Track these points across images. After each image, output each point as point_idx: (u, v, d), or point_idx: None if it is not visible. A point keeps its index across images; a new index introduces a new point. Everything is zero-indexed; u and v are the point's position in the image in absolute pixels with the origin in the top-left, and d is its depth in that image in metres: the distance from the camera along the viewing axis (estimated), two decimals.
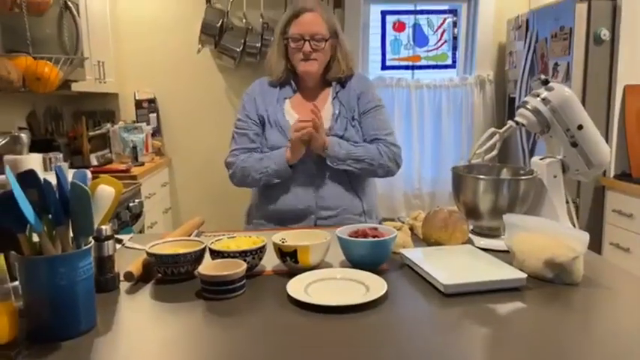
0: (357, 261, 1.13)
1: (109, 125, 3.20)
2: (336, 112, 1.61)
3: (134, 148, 3.07)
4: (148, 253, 1.09)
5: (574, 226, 1.37)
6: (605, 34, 2.63)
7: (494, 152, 1.37)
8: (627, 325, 0.88)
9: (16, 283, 0.90)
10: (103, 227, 1.02)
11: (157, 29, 3.50)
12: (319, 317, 0.89)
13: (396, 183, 3.56)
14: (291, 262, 1.10)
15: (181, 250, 1.08)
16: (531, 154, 2.99)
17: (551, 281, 1.04)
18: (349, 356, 0.77)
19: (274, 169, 1.53)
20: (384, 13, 3.65)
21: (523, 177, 1.31)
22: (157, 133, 3.52)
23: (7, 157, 1.10)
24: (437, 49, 3.70)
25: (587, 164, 1.32)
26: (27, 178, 0.83)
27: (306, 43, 1.55)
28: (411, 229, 1.41)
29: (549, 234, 1.08)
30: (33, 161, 1.10)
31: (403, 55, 3.70)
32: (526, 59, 3.06)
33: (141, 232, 2.62)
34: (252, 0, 3.38)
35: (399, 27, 3.67)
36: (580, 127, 1.29)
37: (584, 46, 2.67)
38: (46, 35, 2.27)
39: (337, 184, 1.58)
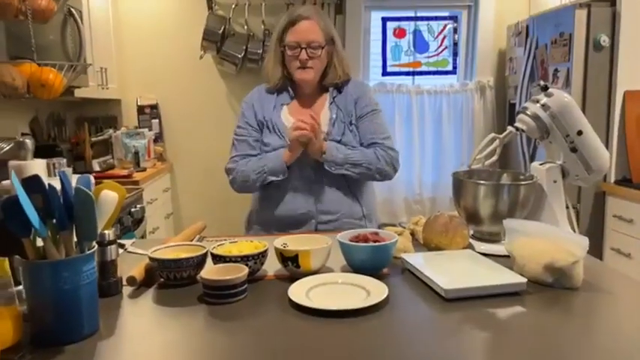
0: (358, 266, 1.13)
1: (111, 131, 3.21)
2: (333, 116, 1.62)
3: (136, 153, 3.08)
4: (151, 258, 1.10)
5: (574, 231, 1.38)
6: (604, 40, 2.64)
7: (495, 158, 1.38)
8: (628, 329, 0.89)
9: (20, 287, 0.91)
10: (106, 232, 1.03)
11: (159, 36, 3.53)
12: (320, 321, 0.90)
13: (397, 188, 3.57)
14: (293, 266, 1.10)
15: (183, 255, 1.09)
16: (532, 159, 2.99)
17: (552, 286, 1.05)
18: None
19: (270, 166, 1.55)
20: (384, 20, 3.67)
21: (523, 182, 1.32)
22: (158, 138, 3.54)
23: (11, 163, 1.11)
24: (437, 55, 3.72)
25: (586, 169, 1.33)
26: (32, 184, 0.84)
27: (303, 50, 1.56)
28: (412, 234, 1.42)
29: (549, 239, 1.08)
30: (37, 167, 1.11)
31: (404, 62, 3.72)
32: (526, 65, 3.07)
33: (142, 237, 2.63)
34: (254, 7, 3.40)
35: (400, 33, 3.69)
36: (579, 132, 1.30)
37: (584, 52, 2.68)
38: (49, 42, 2.29)
39: (336, 189, 1.59)
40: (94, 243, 0.91)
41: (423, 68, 3.72)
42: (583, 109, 2.63)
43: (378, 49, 3.68)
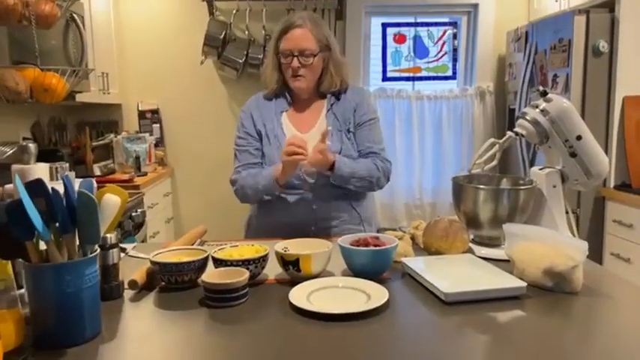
0: (358, 270, 1.14)
1: (112, 135, 3.22)
2: (330, 127, 1.62)
3: (137, 158, 3.09)
4: (152, 262, 1.10)
5: (574, 236, 1.38)
6: (603, 46, 2.66)
7: (494, 162, 1.39)
8: (627, 333, 0.89)
9: (22, 290, 0.91)
10: (108, 236, 1.04)
11: (160, 41, 3.55)
12: (321, 325, 0.90)
13: (397, 193, 3.57)
14: (294, 270, 1.11)
15: (185, 259, 1.10)
16: (531, 164, 3.00)
17: (551, 290, 1.05)
18: None
19: (263, 184, 1.54)
20: (384, 26, 3.69)
21: (523, 187, 1.33)
22: (159, 143, 3.55)
23: (15, 167, 1.12)
24: (437, 60, 3.74)
25: (586, 174, 1.33)
26: (35, 187, 0.84)
27: (295, 59, 1.57)
28: (412, 238, 1.42)
29: (549, 243, 1.09)
30: (40, 171, 1.12)
31: (404, 67, 3.73)
32: (525, 71, 3.09)
33: (143, 241, 2.63)
34: (255, 12, 3.42)
35: (400, 39, 3.71)
36: (579, 137, 1.31)
37: (583, 58, 2.69)
38: (51, 47, 2.30)
39: (334, 195, 1.59)
40: (97, 246, 0.91)
41: (423, 74, 3.74)
42: (582, 115, 2.64)
43: (378, 55, 3.70)
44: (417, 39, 3.71)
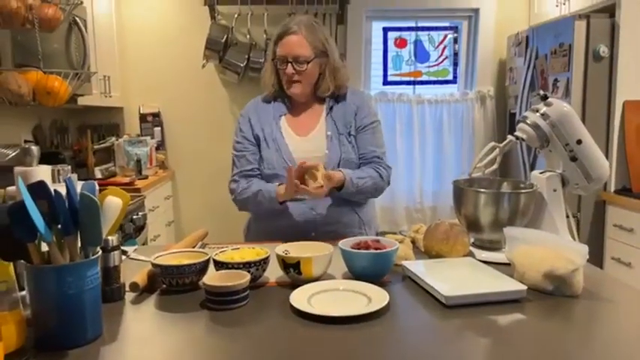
0: (359, 273, 1.14)
1: (113, 139, 3.23)
2: (329, 132, 1.62)
3: (138, 161, 3.10)
4: (153, 264, 1.10)
5: (575, 240, 1.38)
6: (604, 50, 2.66)
7: (495, 166, 1.39)
8: (628, 337, 0.89)
9: (24, 292, 0.91)
10: (110, 238, 1.04)
11: (162, 44, 3.56)
12: (322, 328, 0.91)
13: (398, 197, 3.58)
14: (295, 273, 1.11)
15: (186, 261, 1.10)
16: (532, 168, 3.01)
17: (552, 293, 1.05)
18: None
19: (266, 205, 1.56)
20: (385, 30, 3.70)
21: (523, 191, 1.33)
22: (161, 146, 3.55)
23: (17, 169, 1.12)
24: (438, 64, 3.75)
25: (586, 178, 1.34)
26: (37, 189, 0.85)
27: (289, 65, 1.57)
28: (413, 241, 1.43)
29: (549, 247, 1.09)
30: (43, 173, 1.12)
31: (405, 71, 3.74)
32: (526, 75, 3.09)
33: (144, 244, 2.64)
34: (256, 16, 3.44)
35: (401, 43, 3.72)
36: (579, 141, 1.31)
37: (584, 63, 2.70)
38: (54, 50, 2.31)
39: (334, 199, 1.59)
40: (98, 248, 0.92)
41: (424, 78, 3.75)
42: (583, 119, 2.65)
43: (379, 59, 3.71)
44: (417, 43, 3.72)
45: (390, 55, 3.72)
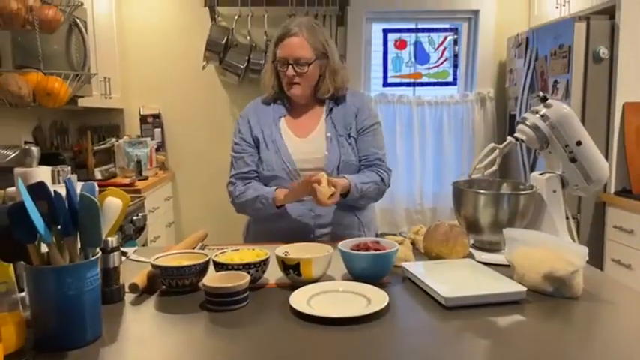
0: (359, 274, 1.14)
1: (113, 140, 3.23)
2: (329, 134, 1.62)
3: (138, 162, 3.10)
4: (153, 265, 1.10)
5: (574, 241, 1.38)
6: (603, 52, 2.67)
7: (495, 167, 1.39)
8: (627, 339, 0.89)
9: (24, 293, 0.92)
10: (110, 239, 1.04)
11: (162, 46, 3.56)
12: (321, 329, 0.91)
13: (398, 198, 3.58)
14: (294, 274, 1.11)
15: (186, 263, 1.10)
16: (532, 169, 3.01)
17: (551, 295, 1.05)
18: None
19: (265, 211, 1.56)
20: (385, 32, 3.71)
21: (523, 192, 1.33)
22: (161, 147, 3.55)
23: (17, 170, 1.12)
24: (438, 66, 3.75)
25: (586, 180, 1.34)
26: (37, 190, 0.85)
27: (290, 67, 1.57)
28: (413, 242, 1.43)
29: (549, 248, 1.09)
30: (43, 174, 1.12)
31: (405, 72, 3.75)
32: (526, 77, 3.10)
33: (144, 245, 2.64)
34: (257, 18, 3.44)
35: (401, 45, 3.73)
36: (579, 143, 1.31)
37: (584, 64, 2.70)
38: (54, 52, 2.31)
39: None
40: (98, 249, 0.92)
41: (424, 79, 3.75)
42: (582, 121, 2.65)
43: (379, 61, 3.72)
44: (417, 45, 3.73)
45: (390, 56, 3.73)
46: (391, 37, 3.72)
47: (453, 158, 3.63)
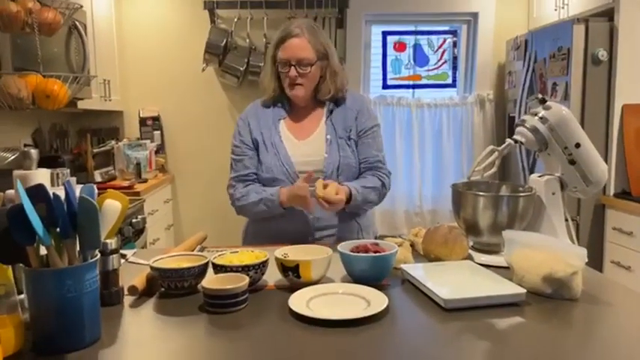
0: (358, 276, 1.14)
1: (113, 142, 3.23)
2: (328, 136, 1.62)
3: (138, 165, 3.10)
4: (152, 268, 1.10)
5: (574, 243, 1.38)
6: (602, 54, 2.67)
7: (494, 169, 1.39)
8: (627, 340, 0.89)
9: (22, 296, 0.91)
10: (108, 241, 1.04)
11: (162, 48, 3.57)
12: (321, 331, 0.90)
13: (398, 200, 3.58)
14: (293, 276, 1.11)
15: (185, 265, 1.10)
16: (531, 171, 3.01)
17: (551, 296, 1.05)
18: None
19: (269, 212, 1.56)
20: (385, 34, 3.71)
21: (522, 194, 1.33)
22: (160, 150, 3.55)
23: (16, 172, 1.12)
24: (437, 68, 3.76)
25: (585, 182, 1.34)
26: (36, 193, 0.85)
27: (292, 68, 1.57)
28: (412, 244, 1.43)
29: (548, 250, 1.09)
30: (41, 176, 1.12)
31: (404, 75, 3.75)
32: (525, 79, 3.10)
33: (143, 248, 2.63)
34: (256, 20, 3.45)
35: (400, 47, 3.73)
36: (577, 145, 1.31)
37: (582, 66, 2.71)
38: (54, 54, 2.32)
39: None
40: (97, 252, 0.92)
41: (423, 81, 3.76)
42: (582, 123, 2.66)
43: (379, 63, 3.72)
44: (417, 47, 3.73)
45: (389, 58, 3.73)
46: (390, 39, 3.72)
47: (452, 160, 3.63)
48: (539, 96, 1.36)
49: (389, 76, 3.74)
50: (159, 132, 3.57)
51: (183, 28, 3.55)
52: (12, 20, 1.65)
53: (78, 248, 0.88)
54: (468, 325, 0.93)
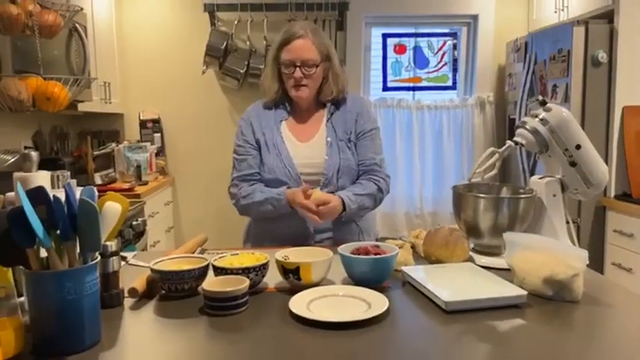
0: (359, 278, 1.14)
1: (113, 145, 3.24)
2: (329, 139, 1.62)
3: (138, 167, 3.10)
4: (153, 270, 1.10)
5: (574, 245, 1.38)
6: (602, 56, 2.67)
7: (494, 171, 1.39)
8: (628, 342, 0.89)
9: (22, 298, 0.91)
10: (109, 243, 1.04)
11: (162, 51, 3.57)
12: (321, 333, 0.90)
13: (398, 203, 3.57)
14: (294, 279, 1.11)
15: (185, 267, 1.10)
16: (531, 173, 3.00)
17: (552, 299, 1.05)
18: None
19: (276, 212, 1.55)
20: (385, 36, 3.72)
21: (523, 196, 1.33)
22: (160, 152, 3.56)
23: (16, 174, 1.12)
24: (437, 70, 3.76)
25: (585, 183, 1.34)
26: (36, 195, 0.85)
27: (297, 69, 1.57)
28: (413, 246, 1.42)
29: (549, 252, 1.09)
30: (42, 178, 1.12)
31: (404, 77, 3.75)
32: (525, 81, 3.10)
33: (144, 250, 2.63)
34: (256, 23, 3.45)
35: (400, 49, 3.74)
36: (578, 146, 1.31)
37: (583, 68, 2.71)
38: (54, 57, 2.32)
39: None
40: (97, 254, 0.91)
41: (424, 84, 3.76)
42: (582, 125, 2.65)
43: (379, 65, 3.72)
44: (417, 49, 3.73)
45: (389, 61, 3.74)
46: (390, 41, 3.73)
47: (452, 162, 3.63)
48: (540, 98, 1.36)
49: (389, 78, 3.74)
50: (159, 134, 3.58)
51: (184, 30, 3.55)
52: (12, 23, 1.65)
53: (78, 250, 0.88)
54: (469, 327, 0.93)
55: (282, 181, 1.57)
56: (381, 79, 3.74)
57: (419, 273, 1.16)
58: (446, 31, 3.74)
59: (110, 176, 3.06)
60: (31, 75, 1.80)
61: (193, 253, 1.38)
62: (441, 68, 3.76)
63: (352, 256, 1.14)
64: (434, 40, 3.73)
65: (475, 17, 3.61)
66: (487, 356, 0.83)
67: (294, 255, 1.19)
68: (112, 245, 1.04)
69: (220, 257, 1.17)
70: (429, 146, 3.62)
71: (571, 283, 1.03)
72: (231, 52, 3.42)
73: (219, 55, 3.36)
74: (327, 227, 1.59)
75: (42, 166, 1.18)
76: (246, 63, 3.39)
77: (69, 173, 1.20)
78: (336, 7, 3.43)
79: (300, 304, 1.00)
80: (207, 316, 0.99)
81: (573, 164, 1.32)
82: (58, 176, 1.17)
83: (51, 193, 0.86)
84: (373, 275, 1.13)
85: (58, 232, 0.86)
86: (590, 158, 1.33)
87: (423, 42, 3.73)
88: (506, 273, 1.15)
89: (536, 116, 1.34)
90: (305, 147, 1.63)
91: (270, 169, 1.59)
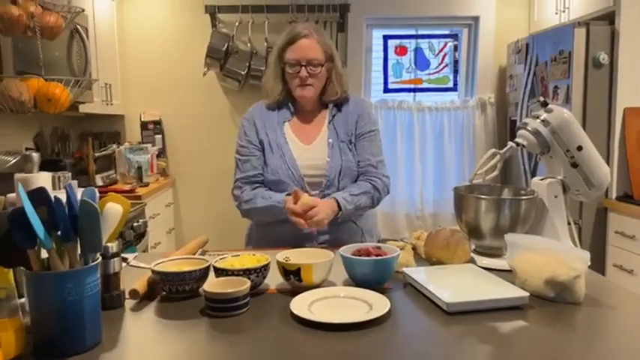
0: (360, 279, 1.13)
1: (114, 146, 3.24)
2: (330, 140, 1.62)
3: (139, 168, 3.10)
4: (154, 271, 1.10)
5: (576, 246, 1.38)
6: (604, 57, 2.67)
7: (495, 172, 1.39)
8: (630, 344, 0.88)
9: (23, 299, 0.91)
10: (110, 245, 1.04)
11: (163, 52, 3.58)
12: (322, 335, 0.90)
13: (399, 204, 3.57)
14: (295, 280, 1.10)
15: (186, 268, 1.10)
16: (533, 174, 3.00)
17: (553, 300, 1.05)
18: None
19: (274, 218, 1.56)
20: (386, 38, 3.72)
21: (524, 197, 1.33)
22: (161, 154, 3.56)
23: (18, 175, 1.12)
24: (438, 72, 3.76)
25: (587, 185, 1.33)
26: (37, 196, 0.85)
27: (303, 68, 1.57)
28: (414, 248, 1.42)
29: (551, 253, 1.08)
30: (43, 179, 1.12)
31: (405, 78, 3.76)
32: (526, 82, 3.10)
33: (144, 252, 2.63)
34: (257, 25, 3.45)
35: (401, 51, 3.74)
36: (579, 148, 1.31)
37: (584, 70, 2.71)
38: (55, 58, 2.32)
39: None
40: (98, 255, 0.91)
41: (424, 85, 3.76)
42: (583, 126, 2.64)
43: (380, 67, 3.73)
44: (418, 51, 3.74)
45: (390, 62, 3.74)
46: (391, 43, 3.73)
47: (453, 164, 3.63)
48: (541, 99, 1.36)
49: (390, 79, 3.75)
50: (160, 136, 3.58)
51: (185, 32, 3.56)
52: (14, 24, 1.65)
53: (79, 251, 0.88)
54: (470, 328, 0.92)
55: (285, 182, 1.57)
56: (381, 80, 3.74)
57: (420, 274, 1.16)
58: (447, 32, 3.74)
59: (111, 178, 3.06)
60: (32, 76, 1.80)
61: (194, 254, 1.38)
62: (441, 70, 3.76)
63: (353, 257, 1.14)
64: (435, 41, 3.74)
65: (476, 19, 3.62)
66: (488, 358, 0.83)
67: (295, 256, 1.18)
68: (113, 246, 1.04)
69: (221, 258, 1.17)
70: (430, 148, 3.61)
71: (573, 285, 1.03)
72: (232, 54, 3.42)
73: (220, 56, 3.37)
74: (328, 229, 1.58)
75: (43, 167, 1.18)
76: (247, 65, 3.39)
77: (70, 174, 1.20)
78: (337, 9, 3.43)
79: (302, 305, 1.00)
80: (208, 317, 0.99)
81: (575, 165, 1.32)
82: (59, 177, 1.17)
83: (52, 194, 0.86)
84: (374, 276, 1.12)
85: (59, 233, 0.86)
86: (592, 159, 1.32)
87: (423, 43, 3.73)
88: (507, 274, 1.15)
89: (538, 117, 1.33)
90: (308, 149, 1.63)
91: (274, 171, 1.59)
